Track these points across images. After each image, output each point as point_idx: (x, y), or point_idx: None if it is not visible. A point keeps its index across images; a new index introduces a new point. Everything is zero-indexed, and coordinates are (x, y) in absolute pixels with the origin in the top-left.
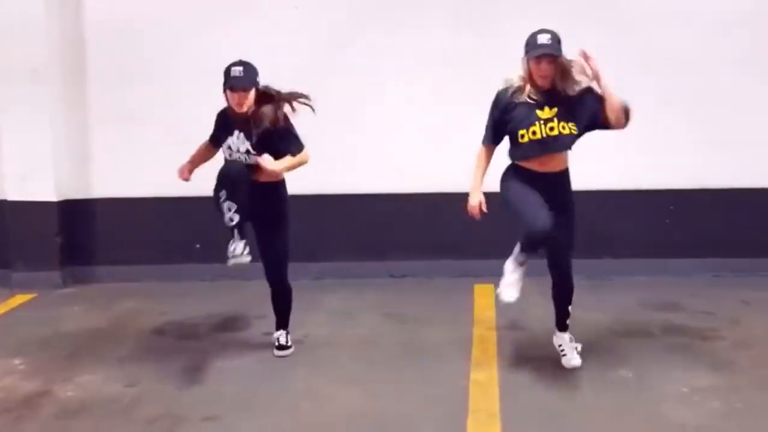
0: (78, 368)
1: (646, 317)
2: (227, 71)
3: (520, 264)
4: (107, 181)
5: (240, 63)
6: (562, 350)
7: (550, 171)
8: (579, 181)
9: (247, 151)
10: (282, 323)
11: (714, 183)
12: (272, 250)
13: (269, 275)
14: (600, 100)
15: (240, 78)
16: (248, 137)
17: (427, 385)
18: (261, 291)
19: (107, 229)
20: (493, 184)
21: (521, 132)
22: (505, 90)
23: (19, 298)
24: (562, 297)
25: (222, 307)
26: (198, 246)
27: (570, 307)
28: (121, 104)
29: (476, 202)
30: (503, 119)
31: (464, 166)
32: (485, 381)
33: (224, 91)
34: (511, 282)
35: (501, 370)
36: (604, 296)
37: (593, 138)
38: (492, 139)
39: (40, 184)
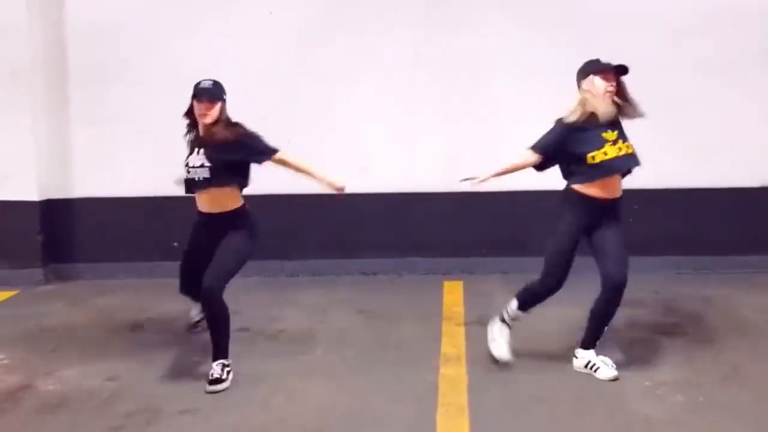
0: (59, 363)
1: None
2: (197, 84)
3: (510, 322)
4: (87, 181)
5: (210, 80)
6: (593, 366)
7: (608, 197)
8: (545, 182)
9: (202, 165)
10: (214, 352)
11: (676, 183)
12: (218, 257)
13: (204, 282)
14: None
15: (208, 89)
16: (205, 150)
17: (398, 380)
18: (235, 288)
19: (87, 228)
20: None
21: (592, 154)
22: (571, 115)
23: (2, 295)
24: (606, 312)
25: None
26: (175, 244)
27: (606, 329)
28: (100, 106)
29: (480, 176)
30: (568, 139)
31: (432, 167)
32: (454, 375)
33: (192, 101)
34: (502, 344)
35: (469, 365)
36: (570, 293)
37: None
38: (543, 150)
39: (22, 184)
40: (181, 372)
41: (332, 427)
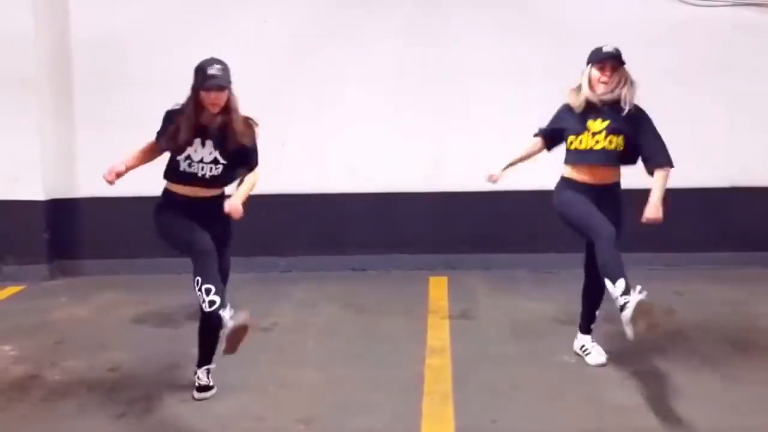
0: (64, 354)
1: None
2: (203, 69)
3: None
4: (91, 182)
5: (217, 60)
6: (585, 350)
7: (598, 183)
8: (524, 183)
9: (215, 161)
10: (205, 358)
11: (647, 184)
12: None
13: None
14: (649, 136)
15: (219, 77)
16: (219, 147)
17: (385, 370)
18: (230, 283)
19: (91, 226)
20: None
21: (570, 138)
22: (567, 97)
23: (10, 290)
24: (596, 298)
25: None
26: None
27: (597, 312)
28: (103, 111)
29: (494, 173)
30: (560, 122)
31: (418, 168)
32: (439, 366)
33: (196, 89)
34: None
35: (453, 355)
36: (549, 288)
37: (536, 142)
38: (544, 132)
39: (29, 185)
40: (179, 363)
41: (323, 415)
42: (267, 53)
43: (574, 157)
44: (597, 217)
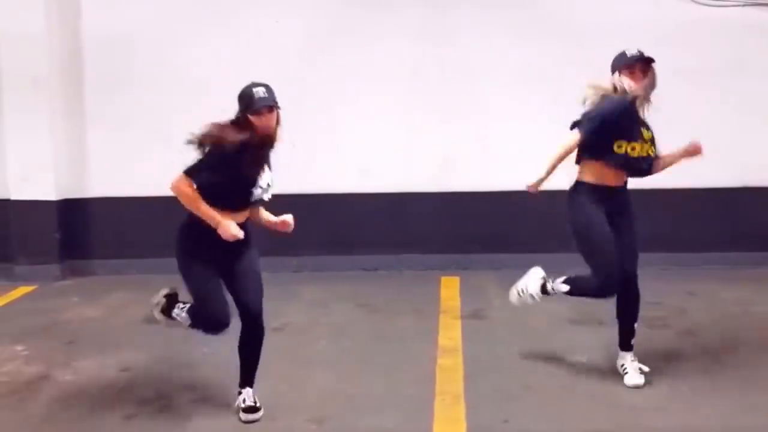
0: (76, 354)
1: (598, 307)
2: (249, 94)
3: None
4: (102, 182)
5: (260, 84)
6: (624, 369)
7: (619, 185)
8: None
9: (268, 184)
10: (248, 378)
11: (660, 184)
12: (255, 278)
13: (252, 307)
14: None
15: (267, 98)
16: (269, 166)
17: (397, 370)
18: None
19: (103, 226)
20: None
21: (619, 142)
22: (623, 98)
23: (22, 290)
24: (629, 310)
25: None
26: None
27: (636, 325)
28: (115, 111)
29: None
30: (613, 123)
31: (428, 168)
32: (451, 366)
33: (245, 115)
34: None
35: (465, 356)
36: None
37: (546, 141)
38: (591, 132)
39: (41, 185)
40: (191, 363)
41: (335, 415)
42: (277, 53)
43: (617, 161)
44: (612, 263)
